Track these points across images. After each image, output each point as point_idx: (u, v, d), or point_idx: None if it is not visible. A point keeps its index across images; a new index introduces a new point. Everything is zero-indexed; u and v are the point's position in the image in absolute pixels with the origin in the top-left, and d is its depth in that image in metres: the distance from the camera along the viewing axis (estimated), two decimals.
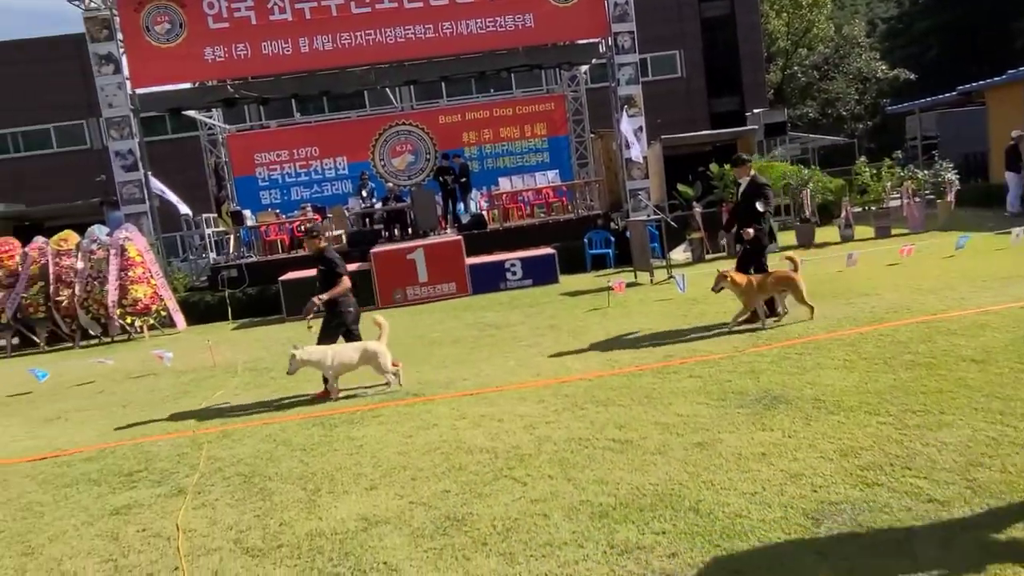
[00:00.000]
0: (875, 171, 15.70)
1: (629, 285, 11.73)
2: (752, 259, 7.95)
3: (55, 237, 13.25)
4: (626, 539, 3.23)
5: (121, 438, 6.19)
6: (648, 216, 13.84)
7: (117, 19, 14.67)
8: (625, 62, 16.63)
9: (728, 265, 11.99)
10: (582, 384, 6.12)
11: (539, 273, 13.98)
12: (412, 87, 23.90)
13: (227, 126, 20.66)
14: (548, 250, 14.45)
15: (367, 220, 17.76)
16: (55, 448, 6.16)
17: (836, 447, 3.99)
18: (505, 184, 18.55)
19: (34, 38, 27.24)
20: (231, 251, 16.76)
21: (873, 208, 15.60)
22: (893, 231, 14.38)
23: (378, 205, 18.03)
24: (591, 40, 16.86)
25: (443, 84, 23.43)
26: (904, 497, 3.30)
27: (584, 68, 19.92)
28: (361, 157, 20.66)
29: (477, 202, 20.01)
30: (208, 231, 17.53)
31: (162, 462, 5.34)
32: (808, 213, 15.32)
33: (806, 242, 14.63)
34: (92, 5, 14.47)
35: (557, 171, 19.27)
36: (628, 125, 16.44)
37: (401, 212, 17.48)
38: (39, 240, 13.23)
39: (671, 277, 11.91)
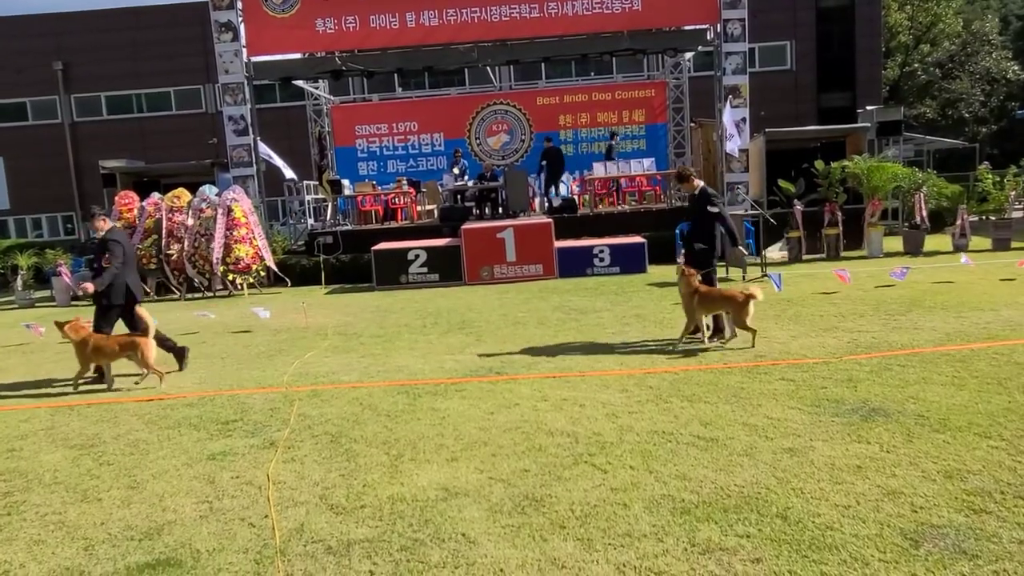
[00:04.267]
0: (998, 179, 14.65)
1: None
2: (707, 272, 7.51)
3: (169, 194, 14.04)
4: (708, 538, 3.16)
5: (219, 388, 6.52)
6: (746, 211, 13.42)
7: None
8: (733, 51, 16.09)
9: (825, 268, 11.53)
10: (667, 377, 6.01)
11: (627, 261, 13.80)
12: (512, 67, 23.90)
13: (332, 97, 21.24)
14: (638, 239, 14.24)
15: (459, 197, 17.97)
16: (159, 392, 6.55)
17: (940, 468, 3.77)
18: (599, 169, 18.33)
19: (160, 4, 28.72)
20: (328, 218, 17.30)
21: (992, 218, 14.58)
22: (1014, 244, 13.42)
23: (471, 183, 18.20)
24: (699, 26, 16.39)
25: (543, 65, 23.30)
26: (1016, 529, 3.08)
27: (688, 55, 19.39)
28: (458, 134, 20.88)
29: (569, 186, 19.91)
30: (308, 198, 18.14)
31: (256, 415, 5.60)
32: (919, 219, 14.47)
33: (914, 249, 13.85)
34: None
35: (653, 159, 18.89)
36: (731, 116, 15.93)
37: (493, 191, 17.59)
38: (155, 196, 14.05)
39: (765, 275, 11.52)
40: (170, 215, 13.80)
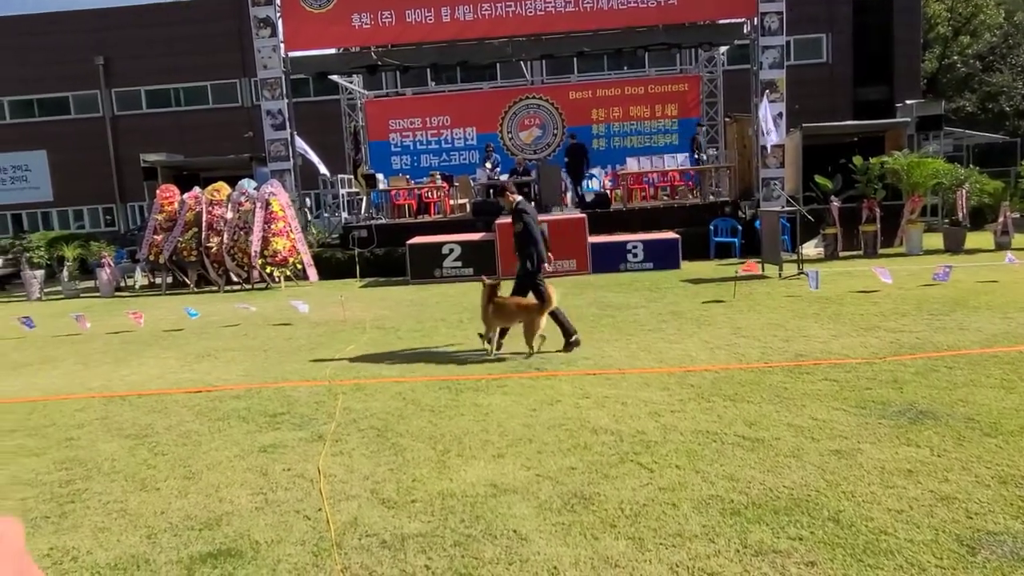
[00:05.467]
0: None
1: (756, 278, 11.35)
2: (526, 286, 7.39)
3: (209, 188, 14.29)
4: (760, 540, 3.17)
5: (264, 380, 6.66)
6: (782, 207, 13.28)
7: None
8: (770, 44, 15.90)
9: (863, 265, 11.37)
10: (708, 375, 6.00)
11: (661, 257, 13.75)
12: (544, 61, 23.89)
13: (366, 91, 21.41)
14: (671, 234, 14.17)
15: (492, 191, 18.02)
16: (207, 383, 6.71)
17: (994, 473, 3.73)
18: (632, 164, 18.25)
19: (201, 0, 29.15)
20: (362, 212, 17.46)
21: None
22: None
23: (504, 177, 18.24)
24: (736, 20, 16.21)
25: (575, 59, 23.25)
26: None
27: (723, 49, 19.20)
28: (490, 128, 20.93)
29: (601, 180, 19.86)
30: (342, 191, 18.33)
31: (302, 407, 5.71)
32: (961, 216, 14.19)
33: (954, 247, 13.60)
34: None
35: (687, 154, 18.77)
36: (768, 111, 15.73)
37: (526, 185, 17.60)
38: (196, 189, 14.31)
39: (801, 272, 11.42)
40: (210, 208, 14.06)
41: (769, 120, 15.75)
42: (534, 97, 21.22)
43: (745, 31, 16.26)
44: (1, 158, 28.88)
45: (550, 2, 16.02)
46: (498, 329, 7.26)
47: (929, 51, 40.23)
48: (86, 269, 15.54)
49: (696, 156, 17.97)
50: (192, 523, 3.72)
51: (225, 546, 3.44)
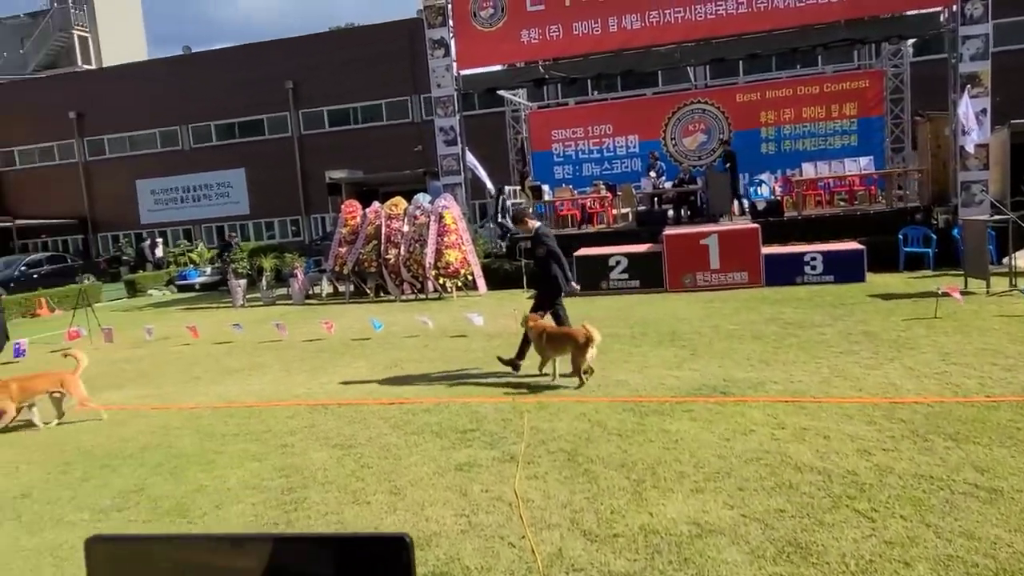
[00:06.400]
0: None
1: (963, 293, 10.29)
2: (544, 306, 7.56)
3: (388, 202, 15.17)
4: None
5: (452, 395, 6.92)
6: (990, 214, 11.96)
7: (450, 6, 16.12)
8: (972, 34, 14.38)
9: None
10: (920, 409, 5.49)
11: (843, 269, 12.83)
12: (708, 64, 23.15)
13: (530, 103, 21.80)
14: (855, 245, 13.19)
15: (656, 200, 17.72)
16: (397, 395, 7.08)
17: None
18: (808, 169, 17.22)
19: (372, 24, 31.15)
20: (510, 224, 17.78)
21: None
22: None
23: (668, 185, 17.87)
24: (930, 10, 14.84)
25: (740, 61, 22.29)
26: None
27: (911, 40, 17.62)
28: (653, 135, 20.59)
29: (771, 186, 18.93)
30: (508, 202, 18.75)
31: (490, 424, 5.87)
32: None
33: None
34: None
35: (871, 157, 17.43)
36: (969, 107, 14.26)
37: (692, 193, 17.15)
38: (376, 204, 15.23)
39: (1014, 288, 10.21)
40: (388, 222, 14.90)
41: (971, 117, 14.27)
42: (698, 102, 20.64)
43: (942, 19, 14.83)
44: (208, 176, 32.42)
45: (721, 4, 15.48)
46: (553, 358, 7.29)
47: None
48: (280, 278, 17.01)
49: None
50: None
51: (439, 569, 3.58)
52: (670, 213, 17.07)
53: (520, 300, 13.40)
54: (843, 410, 5.62)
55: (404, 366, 8.45)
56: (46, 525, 4.60)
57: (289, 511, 4.46)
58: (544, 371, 7.39)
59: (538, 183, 17.79)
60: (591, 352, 6.93)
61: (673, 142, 20.55)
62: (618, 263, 13.71)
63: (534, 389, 6.93)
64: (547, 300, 7.72)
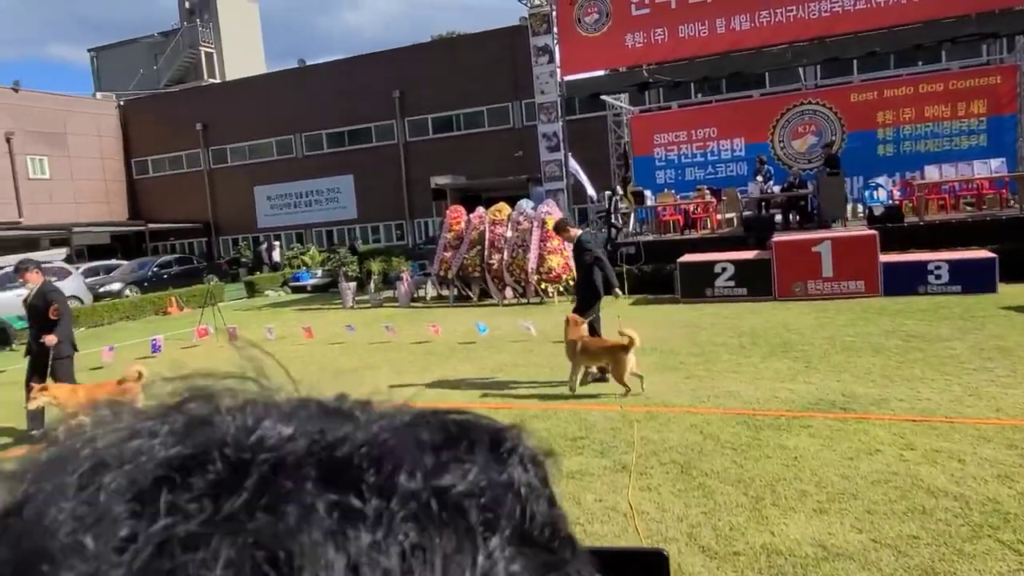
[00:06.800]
0: None
1: None
2: (585, 313, 7.62)
3: (492, 208, 15.43)
4: None
5: (560, 402, 6.97)
6: None
7: (554, 13, 16.25)
8: None
9: None
10: None
11: (972, 279, 12.03)
12: (820, 63, 22.23)
13: (631, 107, 21.62)
14: (985, 253, 12.35)
15: (763, 205, 17.17)
16: (505, 399, 7.22)
17: None
18: (931, 172, 16.24)
19: (474, 32, 31.77)
20: (629, 228, 17.64)
21: None
22: None
23: (776, 189, 17.29)
24: None
25: (854, 59, 21.24)
26: None
27: None
28: (759, 138, 19.96)
29: (888, 190, 17.96)
30: (608, 208, 18.66)
31: (599, 433, 5.87)
32: None
33: None
34: (536, 2, 16.22)
35: (1003, 159, 16.25)
36: None
37: (802, 198, 16.53)
38: (480, 210, 15.53)
39: None
40: (492, 227, 15.15)
41: None
42: (809, 102, 19.85)
43: None
44: (320, 182, 33.98)
45: (836, 1, 14.87)
46: (584, 368, 7.37)
47: None
48: (386, 280, 17.61)
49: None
50: None
51: None
52: (778, 218, 16.50)
53: (622, 307, 13.32)
54: (979, 432, 5.28)
55: (510, 370, 8.58)
56: None
57: None
58: (575, 381, 7.32)
59: (640, 188, 17.62)
60: (631, 358, 6.92)
61: (781, 145, 19.86)
62: (724, 270, 13.39)
63: (643, 397, 6.88)
64: (588, 306, 7.86)
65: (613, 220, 16.50)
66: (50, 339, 7.15)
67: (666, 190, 19.19)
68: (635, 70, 16.17)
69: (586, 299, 7.96)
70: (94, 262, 25.98)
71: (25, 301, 7.68)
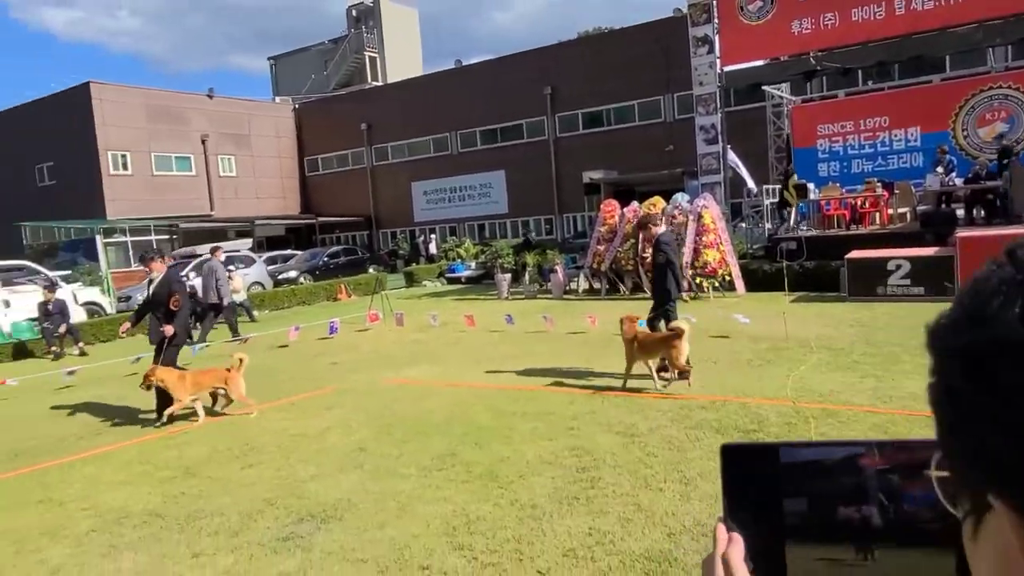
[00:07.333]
0: None
1: None
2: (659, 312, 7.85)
3: (646, 202, 15.37)
4: None
5: (726, 394, 6.93)
6: None
7: (715, 3, 15.90)
8: None
9: None
10: None
11: None
12: (1011, 44, 20.14)
13: (792, 97, 20.69)
14: None
15: (943, 199, 15.89)
16: (669, 390, 7.26)
17: None
18: None
19: (624, 27, 31.56)
20: (790, 223, 16.95)
21: None
22: None
23: (959, 181, 15.94)
24: None
25: None
26: None
27: None
28: (939, 127, 18.44)
29: None
30: (766, 201, 18.03)
31: (773, 427, 5.81)
32: None
33: None
34: None
35: None
36: None
37: (990, 191, 15.13)
38: (634, 204, 15.53)
39: None
40: None
41: None
42: (1000, 86, 18.07)
43: None
44: (472, 178, 35.22)
45: None
46: (648, 362, 7.55)
47: None
48: (540, 273, 18.03)
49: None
50: (703, 529, 4.08)
51: None
52: (960, 213, 15.23)
53: (784, 304, 12.87)
54: None
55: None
56: (383, 475, 5.46)
57: (587, 488, 4.83)
58: (640, 378, 7.50)
59: (803, 181, 16.86)
60: (684, 346, 7.15)
61: (965, 134, 18.25)
62: (898, 267, 12.58)
63: (816, 394, 6.70)
64: (660, 305, 8.02)
65: (784, 214, 15.92)
66: (168, 329, 7.61)
67: (830, 183, 18.23)
68: (801, 57, 15.48)
69: (659, 298, 8.15)
70: (272, 252, 28.49)
71: (149, 289, 8.06)
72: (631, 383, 7.49)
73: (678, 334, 7.22)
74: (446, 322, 13.33)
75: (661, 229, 8.54)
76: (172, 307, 7.67)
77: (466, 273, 22.10)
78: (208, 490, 5.47)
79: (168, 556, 4.35)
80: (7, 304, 15.07)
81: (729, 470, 0.76)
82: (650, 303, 8.59)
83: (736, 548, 0.72)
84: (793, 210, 16.79)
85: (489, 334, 11.87)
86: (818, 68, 15.39)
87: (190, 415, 7.63)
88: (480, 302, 16.82)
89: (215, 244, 16.58)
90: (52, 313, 13.76)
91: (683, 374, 7.38)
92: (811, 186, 16.91)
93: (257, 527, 4.67)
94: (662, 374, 7.63)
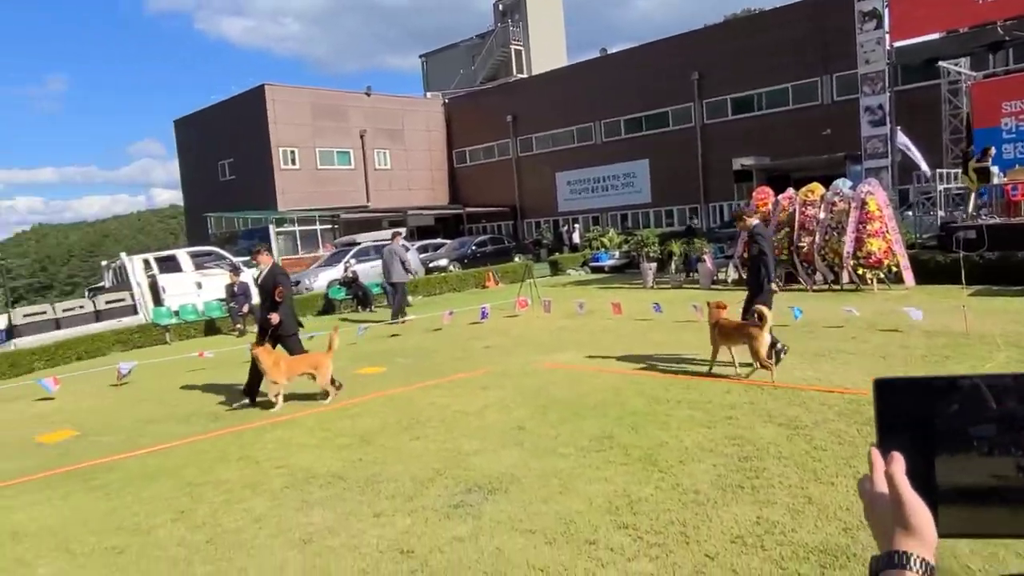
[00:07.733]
0: None
1: None
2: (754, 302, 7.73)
3: (803, 188, 14.64)
4: None
5: None
6: None
7: None
8: None
9: None
10: None
11: None
12: None
13: (972, 73, 18.87)
14: None
15: None
16: (832, 383, 6.94)
17: None
18: None
19: (775, 8, 29.96)
20: (969, 210, 15.54)
21: None
22: None
23: None
24: None
25: None
26: None
27: None
28: None
29: None
30: (941, 187, 16.61)
31: None
32: None
33: None
34: None
35: None
36: None
37: None
38: (789, 191, 14.83)
39: None
40: (803, 209, 14.39)
41: None
42: None
43: None
44: (616, 167, 34.97)
45: None
46: (723, 348, 7.77)
47: None
48: (686, 262, 17.67)
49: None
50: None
51: (941, 564, 3.52)
52: None
53: (961, 298, 11.85)
54: None
55: (834, 356, 8.20)
56: (543, 454, 5.64)
57: (751, 477, 4.76)
58: (719, 365, 7.75)
59: (987, 165, 15.37)
60: (764, 337, 7.17)
61: None
62: None
63: None
64: (754, 295, 8.03)
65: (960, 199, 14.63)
66: (274, 318, 8.09)
67: (1017, 166, 16.52)
68: (987, 28, 14.07)
69: (752, 289, 8.23)
70: (423, 241, 29.78)
71: (256, 280, 8.60)
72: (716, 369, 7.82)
73: (756, 323, 7.29)
74: (592, 310, 13.41)
75: (755, 221, 8.60)
76: (277, 298, 8.13)
77: (610, 262, 22.04)
78: (382, 457, 5.91)
79: (352, 514, 4.76)
80: (200, 286, 16.83)
81: (883, 401, 0.84)
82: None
83: (899, 464, 0.80)
84: (973, 195, 15.37)
85: (636, 322, 11.82)
86: (1007, 38, 13.93)
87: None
88: (625, 291, 16.74)
89: (395, 230, 17.80)
90: (237, 294, 15.24)
91: (765, 365, 7.31)
92: (995, 169, 15.40)
93: (429, 493, 4.99)
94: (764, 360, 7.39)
